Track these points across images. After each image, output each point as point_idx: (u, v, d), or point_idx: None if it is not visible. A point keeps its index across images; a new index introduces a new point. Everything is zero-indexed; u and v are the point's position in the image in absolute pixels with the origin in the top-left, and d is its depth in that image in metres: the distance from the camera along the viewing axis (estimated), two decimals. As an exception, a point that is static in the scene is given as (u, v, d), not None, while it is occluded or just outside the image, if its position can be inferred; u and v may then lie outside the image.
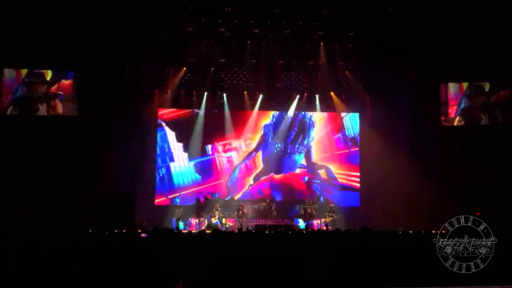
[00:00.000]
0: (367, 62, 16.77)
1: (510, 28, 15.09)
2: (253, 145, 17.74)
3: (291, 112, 17.77)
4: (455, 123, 17.09)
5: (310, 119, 18.02)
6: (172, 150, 17.12)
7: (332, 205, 17.17)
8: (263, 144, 17.74)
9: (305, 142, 17.89)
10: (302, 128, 17.92)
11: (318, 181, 17.89)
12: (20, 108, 15.73)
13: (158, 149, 16.97)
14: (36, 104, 15.87)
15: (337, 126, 18.09)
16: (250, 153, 17.69)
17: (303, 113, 17.99)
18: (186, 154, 17.26)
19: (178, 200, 16.88)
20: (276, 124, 17.82)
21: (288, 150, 17.80)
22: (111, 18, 14.99)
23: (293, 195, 17.74)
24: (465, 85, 17.06)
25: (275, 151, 17.71)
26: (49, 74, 15.89)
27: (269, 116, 17.89)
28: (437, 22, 15.66)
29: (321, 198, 17.78)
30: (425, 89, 17.06)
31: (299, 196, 17.64)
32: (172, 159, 17.19)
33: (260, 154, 17.69)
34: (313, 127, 17.98)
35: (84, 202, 14.90)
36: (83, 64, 15.76)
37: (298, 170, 17.87)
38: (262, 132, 17.82)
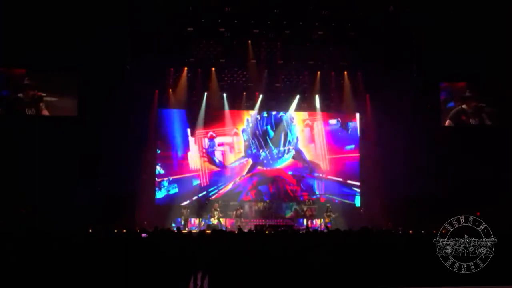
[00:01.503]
0: (367, 62, 16.76)
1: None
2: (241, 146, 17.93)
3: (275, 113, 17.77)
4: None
5: (286, 116, 17.90)
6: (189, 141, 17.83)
7: (328, 204, 17.14)
8: (249, 152, 17.83)
9: (289, 139, 17.85)
10: (280, 128, 17.86)
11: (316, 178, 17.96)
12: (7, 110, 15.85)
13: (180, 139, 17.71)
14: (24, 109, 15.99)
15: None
16: (239, 158, 17.82)
17: (274, 113, 17.88)
18: (196, 146, 17.78)
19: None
20: (252, 130, 17.77)
21: (276, 156, 17.83)
22: (112, 18, 14.98)
23: (282, 189, 17.83)
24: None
25: (264, 161, 17.83)
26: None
27: (243, 120, 17.94)
28: (436, 23, 15.65)
29: (319, 197, 17.83)
30: (425, 89, 17.05)
31: (294, 194, 17.78)
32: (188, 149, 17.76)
33: (250, 161, 17.84)
34: (292, 122, 17.91)
35: (84, 202, 14.92)
36: (83, 65, 15.77)
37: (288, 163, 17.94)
38: (244, 139, 17.83)
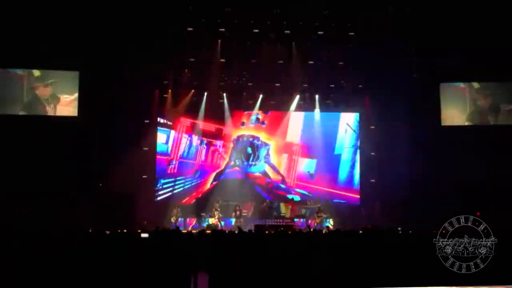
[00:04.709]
0: (367, 62, 16.75)
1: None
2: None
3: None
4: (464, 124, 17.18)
5: (259, 142, 18.56)
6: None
7: (319, 205, 17.19)
8: (234, 156, 18.56)
9: (258, 158, 18.52)
10: (253, 149, 18.53)
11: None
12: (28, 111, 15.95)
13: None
14: (44, 107, 16.01)
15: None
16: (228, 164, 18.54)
17: (251, 139, 18.49)
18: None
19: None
20: (237, 145, 18.57)
21: (245, 165, 18.54)
22: (112, 18, 14.98)
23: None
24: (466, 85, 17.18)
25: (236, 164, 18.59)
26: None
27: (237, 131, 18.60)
28: (437, 23, 15.66)
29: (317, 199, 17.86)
30: (425, 89, 17.06)
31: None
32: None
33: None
34: (263, 147, 18.55)
35: (84, 202, 14.93)
36: (83, 65, 15.78)
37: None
38: (232, 145, 18.51)
